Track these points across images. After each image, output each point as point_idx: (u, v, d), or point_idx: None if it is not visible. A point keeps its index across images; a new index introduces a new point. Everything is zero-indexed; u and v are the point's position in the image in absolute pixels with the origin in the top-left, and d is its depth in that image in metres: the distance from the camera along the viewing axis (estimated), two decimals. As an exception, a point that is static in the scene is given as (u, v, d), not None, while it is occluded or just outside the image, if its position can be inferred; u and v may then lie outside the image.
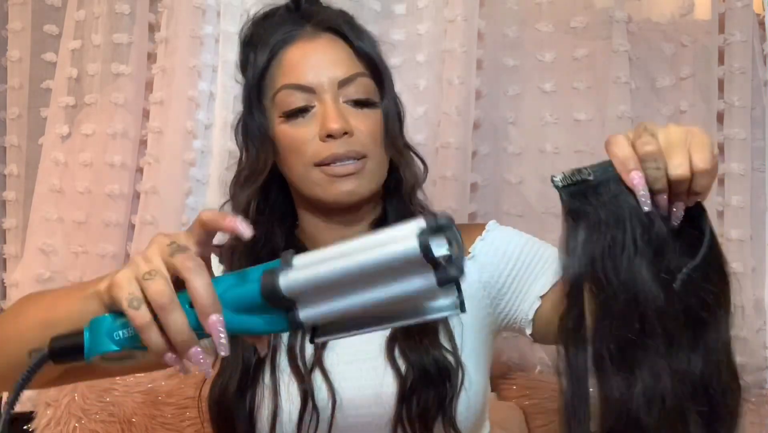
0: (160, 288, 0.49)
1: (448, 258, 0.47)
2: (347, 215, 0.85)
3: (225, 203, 0.90)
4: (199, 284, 0.49)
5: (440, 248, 0.47)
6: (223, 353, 0.49)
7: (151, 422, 1.14)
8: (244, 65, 0.88)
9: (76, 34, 1.31)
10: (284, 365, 0.78)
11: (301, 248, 0.87)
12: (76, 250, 1.28)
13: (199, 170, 1.28)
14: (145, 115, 1.30)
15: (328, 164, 0.79)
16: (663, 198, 0.56)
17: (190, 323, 0.50)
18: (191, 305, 0.50)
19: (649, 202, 0.55)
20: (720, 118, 1.17)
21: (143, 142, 1.30)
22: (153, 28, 1.32)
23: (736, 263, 1.14)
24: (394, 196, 0.88)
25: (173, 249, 0.51)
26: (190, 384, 1.15)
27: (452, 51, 1.21)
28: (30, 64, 1.35)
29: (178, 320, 0.49)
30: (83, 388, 1.14)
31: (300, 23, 0.84)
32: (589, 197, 0.57)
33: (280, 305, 0.49)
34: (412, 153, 0.89)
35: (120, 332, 0.52)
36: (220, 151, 1.25)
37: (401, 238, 0.47)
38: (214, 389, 0.78)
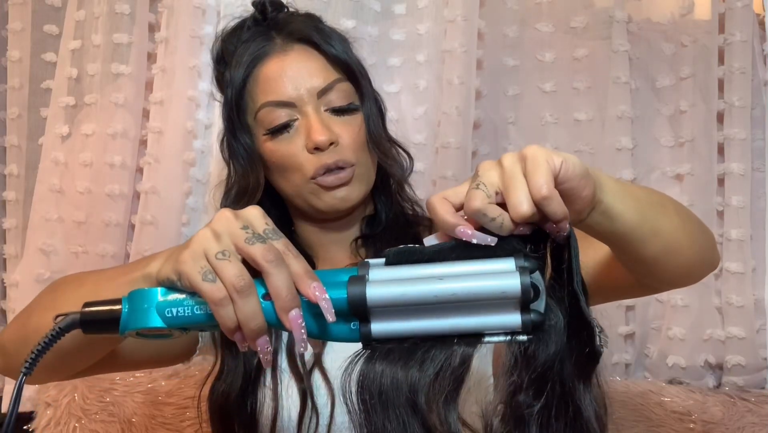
0: (237, 270, 0.46)
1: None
2: (341, 220, 0.87)
3: None
4: (281, 280, 0.46)
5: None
6: (302, 350, 0.47)
7: (151, 422, 1.14)
8: (220, 83, 0.88)
9: (76, 34, 1.31)
10: (285, 366, 0.78)
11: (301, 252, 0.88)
12: (76, 250, 1.28)
13: (199, 170, 1.28)
14: (145, 115, 1.30)
15: (321, 175, 0.80)
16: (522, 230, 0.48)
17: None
18: (264, 297, 0.47)
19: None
20: (720, 118, 1.17)
21: (143, 142, 1.30)
22: (153, 28, 1.32)
23: (736, 263, 1.14)
24: (383, 193, 0.89)
25: (249, 237, 0.48)
26: (190, 384, 1.15)
27: (452, 51, 1.21)
28: (30, 64, 1.35)
29: (254, 307, 0.46)
30: (83, 388, 1.14)
31: (270, 37, 0.84)
32: None
33: (359, 314, 0.47)
34: (396, 147, 0.89)
35: (174, 310, 0.48)
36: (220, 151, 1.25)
37: (500, 273, 0.45)
38: (215, 393, 0.78)
